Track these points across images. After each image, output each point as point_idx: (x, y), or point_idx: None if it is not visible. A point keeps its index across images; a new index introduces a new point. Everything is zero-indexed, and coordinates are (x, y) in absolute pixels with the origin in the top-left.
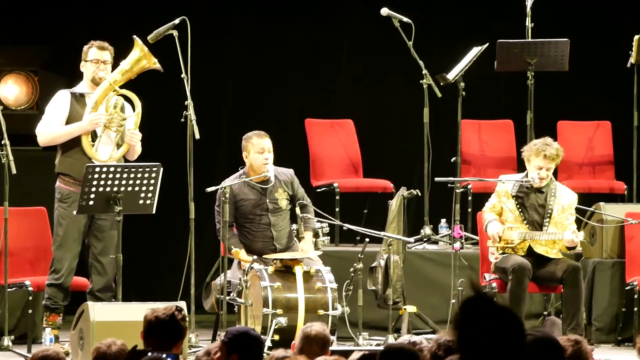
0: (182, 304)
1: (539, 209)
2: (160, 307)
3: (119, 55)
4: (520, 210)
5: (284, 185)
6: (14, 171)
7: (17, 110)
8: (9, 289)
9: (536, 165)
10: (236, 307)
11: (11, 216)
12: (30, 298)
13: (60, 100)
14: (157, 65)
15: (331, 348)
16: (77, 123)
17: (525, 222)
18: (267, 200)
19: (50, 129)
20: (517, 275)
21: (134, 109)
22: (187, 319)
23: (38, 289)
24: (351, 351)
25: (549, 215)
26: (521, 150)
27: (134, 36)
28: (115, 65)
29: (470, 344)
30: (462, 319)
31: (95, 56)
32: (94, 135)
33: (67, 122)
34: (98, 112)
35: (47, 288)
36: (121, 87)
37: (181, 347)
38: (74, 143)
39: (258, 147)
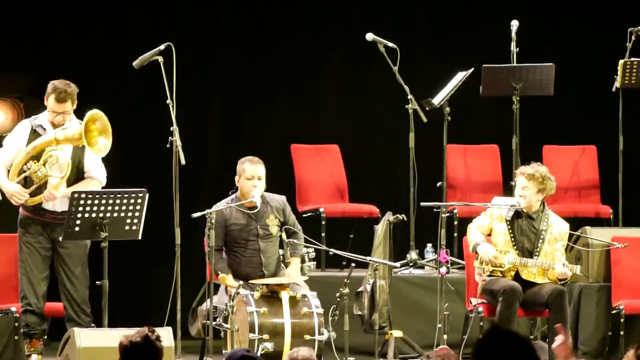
0: (169, 330)
1: (530, 236)
2: (132, 331)
3: (100, 84)
4: (511, 235)
5: (275, 211)
6: None
7: (3, 136)
8: None
9: (518, 184)
10: (222, 332)
11: None
12: (17, 324)
13: (19, 132)
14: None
15: None
16: (7, 185)
17: (515, 247)
18: (258, 226)
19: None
20: (508, 298)
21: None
22: (161, 339)
23: None
24: None
25: (540, 243)
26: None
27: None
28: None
29: None
30: (481, 353)
31: (52, 107)
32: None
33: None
34: (14, 187)
35: (22, 315)
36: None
37: None
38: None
39: (249, 174)
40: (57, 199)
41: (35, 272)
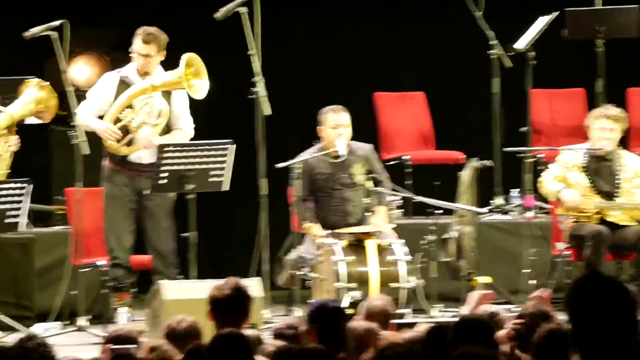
0: (257, 280)
1: (608, 178)
2: (220, 283)
3: (183, 38)
4: (590, 180)
5: (361, 160)
6: (85, 151)
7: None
8: (82, 270)
9: (599, 127)
10: (310, 282)
11: (84, 197)
12: (104, 278)
13: (106, 84)
14: (192, 90)
15: (404, 320)
16: (97, 123)
17: (596, 192)
18: (344, 175)
19: (81, 114)
20: (596, 242)
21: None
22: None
23: None
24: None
25: (618, 184)
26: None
27: (190, 54)
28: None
29: (584, 322)
30: (575, 298)
31: (137, 49)
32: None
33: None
34: (109, 128)
35: (110, 269)
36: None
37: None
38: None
39: (332, 123)
40: (154, 146)
41: (121, 225)
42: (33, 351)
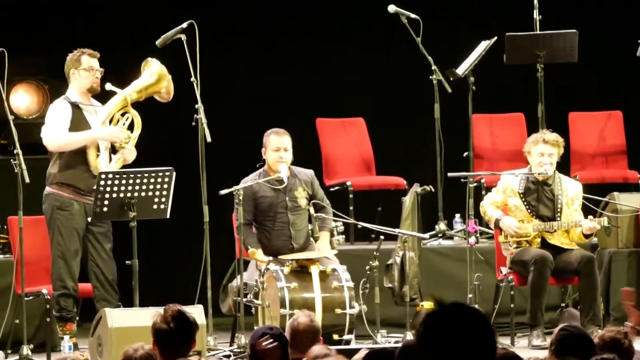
0: (200, 308)
1: (548, 203)
2: (160, 311)
3: (124, 64)
4: (528, 207)
5: (303, 184)
6: (27, 180)
7: (29, 119)
8: (26, 298)
9: (538, 152)
10: (254, 308)
11: (26, 225)
12: (48, 306)
13: (62, 109)
14: (166, 96)
15: (348, 347)
16: (91, 132)
17: (535, 218)
18: (287, 199)
19: (63, 134)
20: (539, 266)
21: (132, 129)
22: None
23: None
24: (358, 350)
25: (559, 209)
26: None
27: (149, 58)
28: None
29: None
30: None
31: (89, 64)
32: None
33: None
34: (120, 128)
35: (58, 299)
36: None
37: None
38: (77, 153)
39: (274, 145)
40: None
41: (73, 254)
42: None
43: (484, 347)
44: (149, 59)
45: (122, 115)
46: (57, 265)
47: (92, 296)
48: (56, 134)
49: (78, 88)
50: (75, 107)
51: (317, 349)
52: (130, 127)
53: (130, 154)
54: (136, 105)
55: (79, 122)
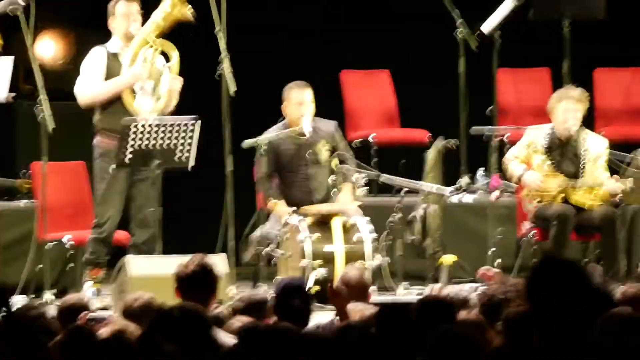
0: (223, 256)
1: (572, 160)
2: (186, 259)
3: (151, 6)
4: (553, 162)
5: (325, 137)
6: (51, 126)
7: (54, 66)
8: (48, 244)
9: (564, 109)
10: (275, 259)
11: (50, 171)
12: (71, 252)
13: (97, 58)
14: (189, 14)
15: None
16: (119, 78)
17: (560, 173)
18: (308, 152)
19: (92, 87)
20: (561, 222)
21: (167, 60)
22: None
23: (78, 244)
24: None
25: (583, 166)
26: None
27: None
28: (146, 18)
29: (544, 306)
30: (534, 284)
31: (124, 9)
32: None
33: (105, 80)
34: (139, 66)
35: (91, 243)
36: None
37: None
38: (115, 99)
39: (296, 99)
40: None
41: (115, 202)
42: (33, 320)
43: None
44: None
45: (153, 50)
46: (98, 210)
47: (125, 245)
48: (84, 89)
49: (117, 35)
50: (112, 55)
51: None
52: (167, 59)
53: (174, 81)
54: None
55: (114, 69)
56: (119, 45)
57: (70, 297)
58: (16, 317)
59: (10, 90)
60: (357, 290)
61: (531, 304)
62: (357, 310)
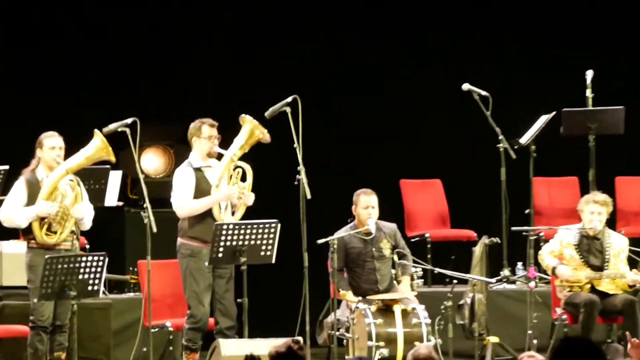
0: (299, 339)
1: (597, 255)
2: (279, 342)
3: (232, 131)
4: (581, 256)
5: (387, 236)
6: (154, 229)
7: (157, 178)
8: (152, 330)
9: (589, 211)
10: (345, 341)
11: (153, 268)
12: (171, 337)
13: (186, 176)
14: (267, 136)
15: None
16: (214, 196)
17: (586, 265)
18: (373, 249)
19: (190, 203)
20: (588, 309)
21: (245, 178)
22: (304, 348)
23: (177, 329)
24: None
25: (607, 260)
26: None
27: (242, 115)
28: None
29: None
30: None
31: (209, 133)
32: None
33: (194, 193)
34: (232, 188)
35: (188, 331)
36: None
37: None
38: (205, 211)
39: (364, 204)
40: (254, 196)
41: (205, 295)
42: None
43: None
44: (242, 115)
45: (234, 169)
46: (191, 303)
47: (211, 329)
48: (183, 204)
49: (200, 153)
50: (197, 170)
51: None
52: (244, 178)
53: (248, 198)
54: (250, 163)
55: (201, 183)
56: (199, 160)
57: None
58: None
59: (119, 199)
60: None
61: None
62: None
